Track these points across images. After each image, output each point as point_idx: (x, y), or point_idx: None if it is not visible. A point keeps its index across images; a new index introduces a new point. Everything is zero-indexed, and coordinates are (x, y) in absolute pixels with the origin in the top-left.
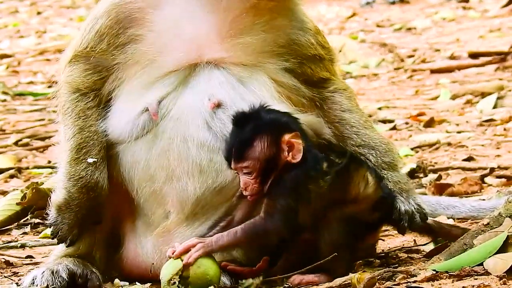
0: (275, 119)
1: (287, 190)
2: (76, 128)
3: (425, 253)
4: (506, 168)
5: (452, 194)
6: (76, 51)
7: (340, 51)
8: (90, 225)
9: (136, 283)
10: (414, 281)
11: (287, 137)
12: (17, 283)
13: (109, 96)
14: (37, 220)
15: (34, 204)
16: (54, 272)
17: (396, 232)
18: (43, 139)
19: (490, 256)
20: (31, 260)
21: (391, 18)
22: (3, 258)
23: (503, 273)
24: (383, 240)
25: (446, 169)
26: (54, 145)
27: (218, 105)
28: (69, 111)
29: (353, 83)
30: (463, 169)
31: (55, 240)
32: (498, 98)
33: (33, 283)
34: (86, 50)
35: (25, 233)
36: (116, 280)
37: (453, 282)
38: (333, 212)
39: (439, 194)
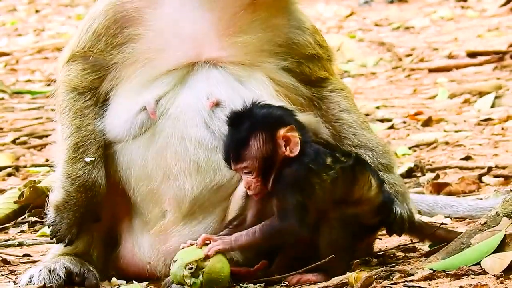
0: (268, 115)
1: (291, 186)
2: (74, 127)
3: (422, 252)
4: (503, 168)
5: (449, 193)
6: (73, 51)
7: (338, 50)
8: (90, 224)
9: (133, 281)
10: (411, 280)
11: (282, 131)
12: (14, 282)
13: (107, 95)
14: (34, 219)
15: (32, 203)
16: (51, 271)
17: None
18: (40, 137)
19: (488, 255)
20: (29, 259)
21: (389, 17)
22: (1, 257)
23: (500, 272)
24: (380, 239)
25: (444, 168)
26: (51, 143)
27: (217, 104)
28: (67, 110)
29: (351, 82)
30: (461, 168)
31: (54, 240)
32: (496, 97)
33: (30, 282)
34: (83, 50)
35: (22, 231)
36: (113, 279)
37: (450, 281)
38: (334, 212)
39: (437, 193)
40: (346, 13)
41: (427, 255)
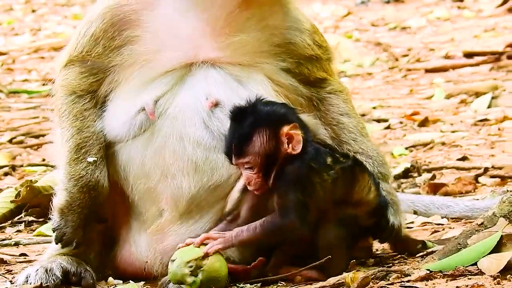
0: (272, 112)
1: (292, 183)
2: (75, 129)
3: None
4: (500, 168)
5: (446, 194)
6: (71, 55)
7: (335, 50)
8: (95, 225)
9: (130, 281)
10: (408, 281)
11: (285, 129)
12: (11, 281)
13: (105, 97)
14: (31, 218)
15: (28, 202)
16: (48, 270)
17: None
18: (37, 137)
19: (484, 256)
20: (25, 258)
21: (386, 17)
22: None
23: (497, 273)
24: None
25: (440, 168)
26: (48, 143)
27: (216, 104)
28: (66, 113)
29: (347, 82)
30: (457, 168)
31: (60, 245)
32: (493, 97)
33: (27, 281)
34: (81, 54)
35: (19, 231)
36: (110, 279)
37: (447, 282)
38: (334, 212)
39: (433, 193)
40: (342, 13)
41: (423, 255)
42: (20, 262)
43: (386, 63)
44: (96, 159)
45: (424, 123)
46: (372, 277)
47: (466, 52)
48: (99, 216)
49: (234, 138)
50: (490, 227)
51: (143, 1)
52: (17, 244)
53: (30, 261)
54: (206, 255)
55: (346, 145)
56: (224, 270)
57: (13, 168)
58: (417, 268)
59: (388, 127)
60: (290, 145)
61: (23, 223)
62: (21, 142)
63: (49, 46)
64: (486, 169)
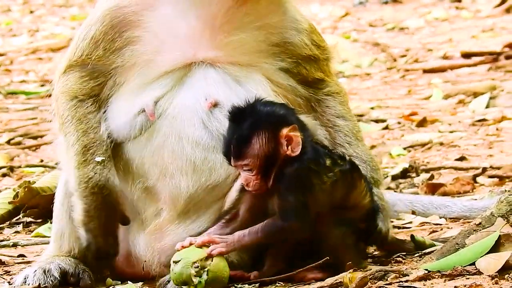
0: (272, 113)
1: (292, 185)
2: (80, 132)
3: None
4: (498, 168)
5: (444, 194)
6: (70, 61)
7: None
8: (117, 227)
9: (128, 282)
10: (406, 281)
11: (285, 131)
12: (9, 282)
13: (108, 100)
14: (29, 219)
15: (26, 203)
16: (46, 271)
17: None
18: (35, 137)
19: (482, 256)
20: (23, 259)
21: (384, 17)
22: None
23: (495, 272)
24: None
25: (439, 168)
26: (46, 144)
27: (215, 105)
28: (69, 118)
29: (345, 82)
30: (455, 168)
31: (101, 262)
32: (491, 98)
33: (25, 282)
34: (81, 58)
35: (17, 232)
36: (108, 279)
37: (445, 282)
38: (333, 215)
39: (431, 193)
40: (340, 14)
41: (421, 255)
42: (18, 263)
43: (384, 63)
44: (104, 158)
45: (422, 123)
46: (370, 277)
47: (464, 53)
48: (121, 217)
49: (233, 140)
50: (488, 227)
51: (142, 2)
52: (15, 245)
53: (28, 262)
54: (209, 256)
55: (340, 148)
56: (227, 270)
57: (11, 169)
58: (415, 268)
59: (386, 128)
60: (290, 147)
61: (21, 224)
62: (19, 143)
63: (47, 47)
64: (484, 169)
